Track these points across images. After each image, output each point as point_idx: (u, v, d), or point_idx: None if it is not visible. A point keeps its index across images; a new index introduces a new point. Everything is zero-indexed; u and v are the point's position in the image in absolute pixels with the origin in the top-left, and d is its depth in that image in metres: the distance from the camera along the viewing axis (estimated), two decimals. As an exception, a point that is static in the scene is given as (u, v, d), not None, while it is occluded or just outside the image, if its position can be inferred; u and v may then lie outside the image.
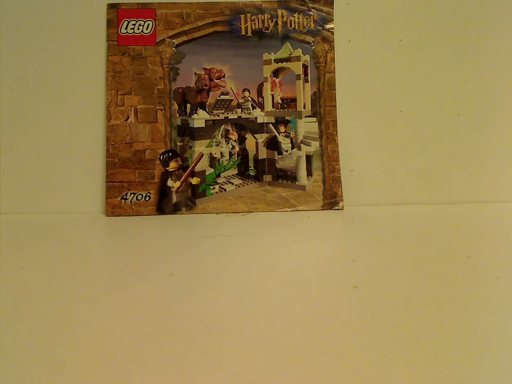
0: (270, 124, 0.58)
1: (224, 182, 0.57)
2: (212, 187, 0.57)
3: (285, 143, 0.58)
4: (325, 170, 0.57)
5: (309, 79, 0.58)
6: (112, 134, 0.56)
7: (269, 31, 0.58)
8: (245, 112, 0.58)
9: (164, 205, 0.55)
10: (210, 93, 0.57)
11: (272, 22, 0.58)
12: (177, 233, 0.48)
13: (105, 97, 0.56)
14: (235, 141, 0.58)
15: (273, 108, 0.58)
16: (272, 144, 0.58)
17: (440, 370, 0.21)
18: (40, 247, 0.42)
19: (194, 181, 0.56)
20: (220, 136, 0.57)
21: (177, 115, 0.57)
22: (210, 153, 0.57)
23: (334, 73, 0.58)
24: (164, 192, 0.56)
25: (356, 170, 0.59)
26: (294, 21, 0.58)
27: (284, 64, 0.58)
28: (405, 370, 0.21)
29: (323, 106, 0.58)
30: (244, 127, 0.58)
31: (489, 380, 0.20)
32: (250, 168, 0.58)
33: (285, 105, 0.58)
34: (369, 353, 0.22)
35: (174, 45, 0.57)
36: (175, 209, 0.55)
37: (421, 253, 0.39)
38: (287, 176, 0.58)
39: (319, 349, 0.23)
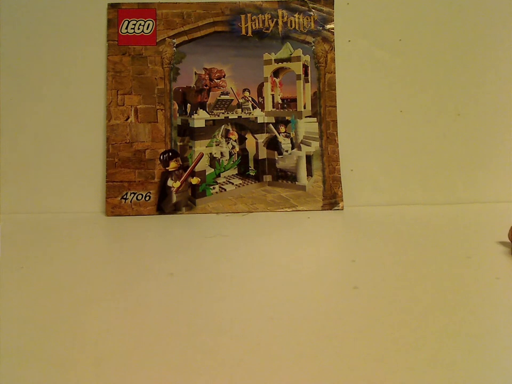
0: (270, 124, 0.58)
1: (224, 182, 0.57)
2: (212, 187, 0.57)
3: (285, 143, 0.58)
4: (325, 171, 0.57)
5: (309, 79, 0.58)
6: (112, 134, 0.56)
7: (269, 31, 0.58)
8: (245, 112, 0.58)
9: (164, 204, 0.55)
10: (210, 93, 0.57)
11: (272, 22, 0.58)
12: (177, 233, 0.48)
13: (106, 97, 0.56)
14: (235, 141, 0.58)
15: (273, 108, 0.58)
16: (272, 144, 0.58)
17: (440, 371, 0.21)
18: (40, 247, 0.42)
19: (194, 180, 0.56)
20: (220, 136, 0.57)
21: (178, 115, 0.57)
22: (211, 153, 0.57)
23: (334, 73, 0.58)
24: (164, 192, 0.56)
25: (356, 170, 0.59)
26: (294, 21, 0.58)
27: (284, 64, 0.58)
28: (405, 371, 0.21)
29: (323, 107, 0.58)
30: (244, 127, 0.58)
31: (489, 380, 0.20)
32: (250, 168, 0.58)
33: (285, 105, 0.58)
34: (370, 353, 0.22)
35: (174, 45, 0.57)
36: (175, 209, 0.56)
37: (421, 253, 0.39)
38: (287, 176, 0.58)
39: (319, 349, 0.23)
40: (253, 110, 0.58)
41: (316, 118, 0.58)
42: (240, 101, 0.58)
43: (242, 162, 0.58)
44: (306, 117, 0.58)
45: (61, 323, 0.26)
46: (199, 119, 0.57)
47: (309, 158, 0.58)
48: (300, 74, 0.58)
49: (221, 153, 0.57)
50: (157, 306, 0.28)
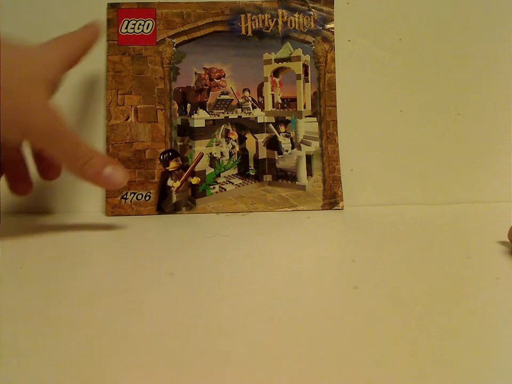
0: (270, 124, 0.58)
1: (224, 182, 0.57)
2: (212, 187, 0.57)
3: (285, 143, 0.58)
4: (325, 170, 0.57)
5: (309, 79, 0.58)
6: (112, 133, 0.56)
7: (269, 30, 0.58)
8: (245, 112, 0.58)
9: (164, 204, 0.55)
10: (210, 92, 0.57)
11: (272, 21, 0.58)
12: (177, 233, 0.48)
13: (105, 97, 0.56)
14: (235, 140, 0.58)
15: (273, 107, 0.58)
16: (272, 144, 0.58)
17: (440, 372, 0.21)
18: (39, 247, 0.42)
19: (194, 180, 0.56)
20: (220, 136, 0.58)
21: (178, 115, 0.57)
22: (211, 153, 0.57)
23: (334, 73, 0.58)
24: (164, 192, 0.56)
25: (356, 170, 0.59)
26: (294, 21, 0.58)
27: (284, 64, 0.58)
28: (405, 372, 0.21)
29: (323, 106, 0.58)
30: (244, 126, 0.58)
31: (489, 380, 0.20)
32: (250, 168, 0.58)
33: (285, 105, 0.58)
34: (370, 353, 0.22)
35: (174, 45, 0.57)
36: (175, 209, 0.56)
37: (421, 253, 0.39)
38: (287, 176, 0.58)
39: (319, 349, 0.23)
40: (253, 109, 0.58)
41: (316, 118, 0.58)
42: (240, 100, 0.58)
43: (242, 162, 0.58)
44: (306, 116, 0.58)
45: (60, 323, 0.26)
46: (199, 119, 0.57)
47: (309, 158, 0.58)
48: (300, 74, 0.58)
49: (221, 153, 0.57)
50: (157, 306, 0.28)
